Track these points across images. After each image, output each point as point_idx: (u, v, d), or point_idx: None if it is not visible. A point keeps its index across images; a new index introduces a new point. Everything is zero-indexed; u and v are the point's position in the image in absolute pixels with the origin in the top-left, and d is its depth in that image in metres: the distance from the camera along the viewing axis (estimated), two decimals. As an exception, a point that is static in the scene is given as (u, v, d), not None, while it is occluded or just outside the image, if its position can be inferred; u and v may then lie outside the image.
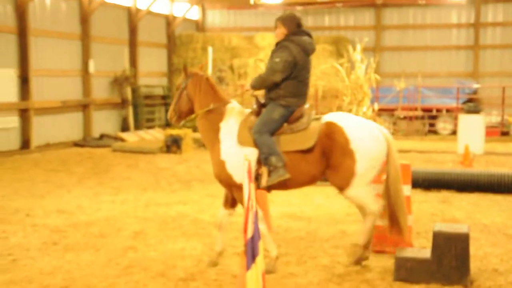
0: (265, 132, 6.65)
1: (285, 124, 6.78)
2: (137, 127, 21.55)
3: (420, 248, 7.26)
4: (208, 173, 13.84)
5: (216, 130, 6.87)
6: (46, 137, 18.09)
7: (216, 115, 6.91)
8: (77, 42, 19.46)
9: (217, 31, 27.39)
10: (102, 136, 19.85)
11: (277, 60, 6.72)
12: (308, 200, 10.66)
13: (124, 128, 21.40)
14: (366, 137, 6.64)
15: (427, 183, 11.29)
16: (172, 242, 8.07)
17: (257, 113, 6.89)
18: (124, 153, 17.21)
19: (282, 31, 6.91)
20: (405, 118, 22.12)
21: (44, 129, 18.00)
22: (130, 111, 21.53)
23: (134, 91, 21.67)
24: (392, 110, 22.02)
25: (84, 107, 19.78)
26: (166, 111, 23.44)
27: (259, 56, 24.85)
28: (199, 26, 27.90)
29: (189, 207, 10.21)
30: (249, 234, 4.80)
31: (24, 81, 17.09)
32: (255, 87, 6.91)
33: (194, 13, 27.45)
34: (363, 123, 6.81)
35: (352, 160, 6.56)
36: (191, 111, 7.08)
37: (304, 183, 6.94)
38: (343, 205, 10.27)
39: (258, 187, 6.65)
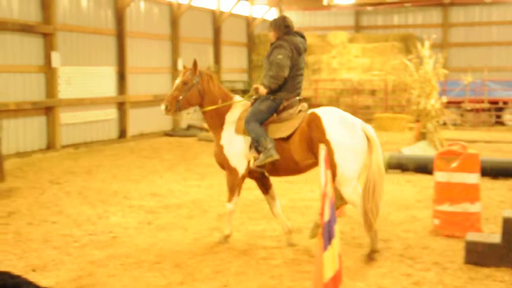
0: (253, 121, 6.78)
1: (275, 114, 6.89)
2: (221, 118, 21.68)
3: (490, 233, 6.98)
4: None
5: (222, 120, 7.08)
6: (140, 127, 18.46)
7: (224, 108, 7.11)
8: (167, 42, 19.74)
9: (293, 31, 27.23)
10: (189, 127, 20.09)
11: (280, 57, 6.70)
12: (379, 186, 10.44)
13: (209, 119, 21.57)
14: (342, 129, 6.41)
15: (495, 172, 10.85)
16: (253, 223, 8.06)
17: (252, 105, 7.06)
18: (209, 142, 17.32)
19: (272, 34, 6.98)
20: (472, 110, 21.40)
21: (138, 120, 18.37)
22: (214, 104, 21.68)
23: (218, 86, 21.82)
24: (459, 102, 21.33)
25: (173, 100, 20.07)
26: (247, 104, 23.47)
27: (332, 53, 24.57)
28: (277, 26, 27.81)
29: (268, 192, 10.16)
30: (326, 218, 4.71)
31: (121, 77, 17.49)
32: (270, 87, 6.80)
33: (272, 14, 27.38)
34: (343, 117, 6.54)
35: (330, 150, 6.29)
36: (195, 104, 7.23)
37: (291, 169, 6.90)
38: (413, 191, 10.02)
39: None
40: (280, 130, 6.77)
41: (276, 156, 6.62)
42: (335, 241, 4.87)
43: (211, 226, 7.89)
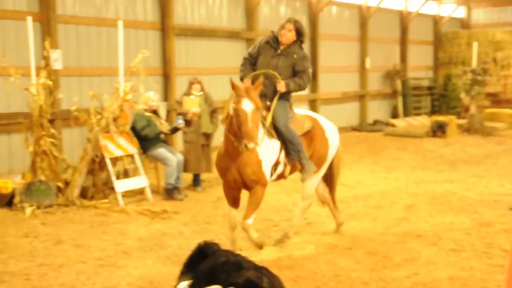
0: (289, 124, 6.06)
1: None
2: (406, 114, 21.04)
3: None
4: (472, 155, 13.01)
5: None
6: (330, 122, 18.54)
7: None
8: (355, 43, 19.58)
9: (481, 27, 25.54)
10: (375, 122, 19.78)
11: (310, 70, 6.14)
12: None
13: (394, 115, 21.05)
14: (332, 128, 6.65)
15: None
16: (441, 216, 7.72)
17: (268, 108, 5.98)
18: (395, 136, 16.93)
19: (292, 36, 6.06)
20: None
21: (328, 116, 18.15)
22: (400, 100, 21.10)
23: (403, 83, 21.19)
24: None
25: (360, 97, 19.88)
26: (432, 100, 22.53)
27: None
28: (464, 24, 26.27)
29: (455, 185, 9.68)
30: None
31: (313, 76, 17.53)
32: (291, 90, 6.02)
33: (460, 12, 25.93)
34: (323, 117, 6.79)
35: (326, 147, 6.48)
36: None
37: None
38: None
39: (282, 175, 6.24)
40: (299, 127, 6.21)
41: (315, 167, 6.29)
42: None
43: (400, 216, 7.69)
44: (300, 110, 6.80)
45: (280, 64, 6.02)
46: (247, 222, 5.94)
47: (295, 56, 6.06)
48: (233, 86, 5.56)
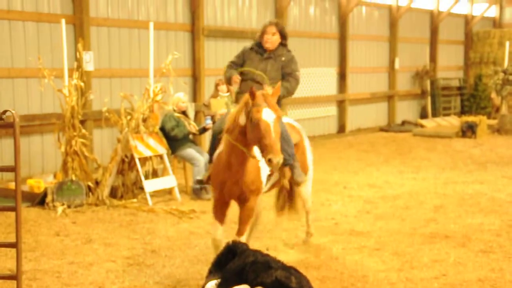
0: (284, 126, 5.71)
1: None
2: (435, 114, 20.78)
3: None
4: (503, 156, 12.79)
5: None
6: (357, 123, 18.43)
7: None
8: (385, 44, 19.41)
9: (513, 27, 25.06)
10: (403, 123, 19.58)
11: (298, 73, 5.85)
12: None
13: (423, 115, 20.82)
14: (305, 135, 6.43)
15: None
16: (470, 217, 7.61)
17: None
18: (423, 137, 16.72)
19: (277, 39, 5.80)
20: None
21: (356, 116, 18.34)
22: (429, 100, 20.86)
23: (433, 83, 20.93)
24: None
25: (389, 97, 19.70)
26: (462, 100, 22.20)
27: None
28: (496, 23, 25.81)
29: (485, 186, 9.53)
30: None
31: (341, 77, 17.60)
32: (283, 97, 5.65)
33: (492, 11, 25.48)
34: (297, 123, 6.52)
35: (305, 155, 6.28)
36: None
37: None
38: None
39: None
40: (293, 135, 5.90)
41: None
42: None
43: (428, 217, 7.61)
44: (286, 118, 6.40)
45: (269, 68, 5.75)
46: (241, 239, 5.24)
47: (283, 58, 5.82)
48: (252, 94, 4.88)
